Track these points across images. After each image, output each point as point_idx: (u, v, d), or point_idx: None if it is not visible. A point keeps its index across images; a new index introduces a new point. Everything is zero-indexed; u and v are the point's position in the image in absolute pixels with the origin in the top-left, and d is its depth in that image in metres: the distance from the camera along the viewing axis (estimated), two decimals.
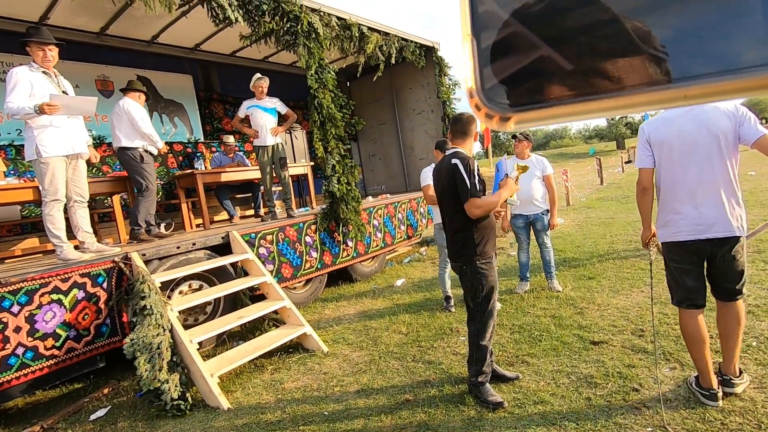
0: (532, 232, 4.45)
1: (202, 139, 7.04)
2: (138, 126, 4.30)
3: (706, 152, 2.12)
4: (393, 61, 6.32)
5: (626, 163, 21.77)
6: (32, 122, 3.31)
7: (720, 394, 2.18)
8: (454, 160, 2.52)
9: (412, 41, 6.71)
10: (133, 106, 4.35)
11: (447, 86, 7.41)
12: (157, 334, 2.99)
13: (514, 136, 4.53)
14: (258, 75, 5.11)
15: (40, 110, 3.21)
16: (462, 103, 8.65)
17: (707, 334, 2.23)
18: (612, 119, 55.03)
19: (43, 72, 3.43)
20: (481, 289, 2.54)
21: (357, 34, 5.59)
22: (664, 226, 2.28)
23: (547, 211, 4.34)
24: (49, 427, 2.93)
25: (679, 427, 2.05)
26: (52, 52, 3.48)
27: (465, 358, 3.10)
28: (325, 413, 2.62)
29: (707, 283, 2.25)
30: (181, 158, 6.71)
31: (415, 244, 7.93)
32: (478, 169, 2.53)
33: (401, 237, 6.37)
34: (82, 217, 3.67)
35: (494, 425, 2.27)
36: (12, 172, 5.01)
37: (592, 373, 2.64)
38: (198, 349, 3.17)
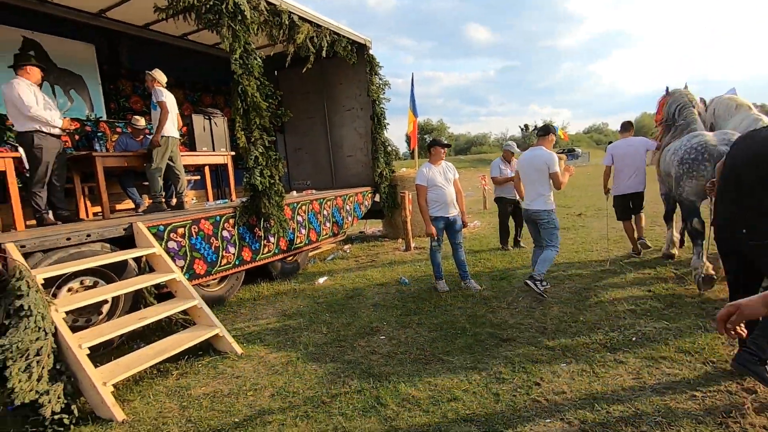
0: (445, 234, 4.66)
1: (104, 118, 6.28)
2: (23, 111, 4.03)
3: (633, 159, 5.19)
4: (324, 54, 6.18)
5: None
6: None
7: (640, 249, 5.44)
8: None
9: (344, 36, 6.63)
10: (14, 88, 4.00)
11: (377, 85, 7.45)
12: (37, 339, 2.58)
13: (433, 144, 4.68)
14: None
15: None
16: (391, 104, 8.77)
17: (633, 228, 5.40)
18: (525, 131, 59.77)
19: None
20: None
21: (287, 22, 5.38)
22: (615, 188, 5.33)
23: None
24: None
25: (572, 417, 2.25)
26: None
27: (384, 356, 3.13)
28: (236, 420, 2.47)
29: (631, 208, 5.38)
30: (77, 137, 5.92)
31: (339, 242, 7.87)
32: None
33: (326, 234, 6.27)
34: None
35: (410, 424, 2.30)
36: None
37: (501, 369, 2.81)
38: (89, 355, 2.80)
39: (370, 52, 7.37)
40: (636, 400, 2.34)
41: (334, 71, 7.77)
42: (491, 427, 2.22)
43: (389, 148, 7.74)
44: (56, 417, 2.50)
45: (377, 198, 7.66)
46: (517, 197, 6.33)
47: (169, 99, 4.86)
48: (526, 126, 60.48)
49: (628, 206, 5.31)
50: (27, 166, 4.24)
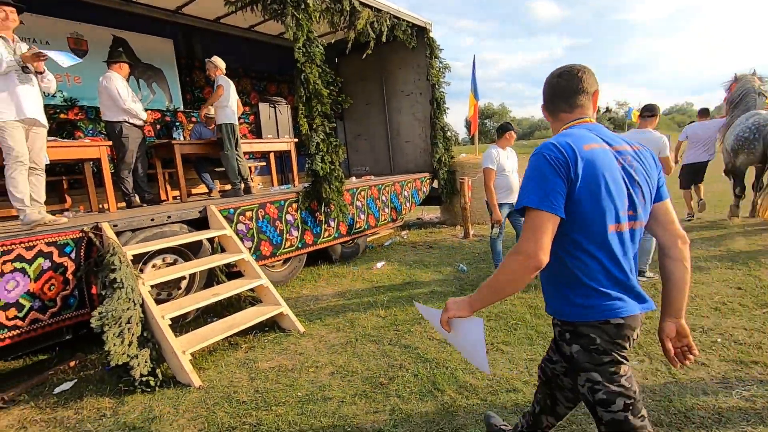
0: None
1: (181, 108, 6.77)
2: (117, 102, 4.50)
3: (705, 137, 6.22)
4: (384, 39, 6.15)
5: None
6: None
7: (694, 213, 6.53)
8: None
9: (404, 19, 6.54)
10: (113, 82, 4.49)
11: (437, 69, 7.29)
12: (128, 309, 2.89)
13: (506, 128, 4.49)
14: None
15: (24, 60, 3.20)
16: (453, 89, 8.58)
17: (692, 197, 6.58)
18: (596, 112, 55.73)
19: (1, 37, 3.21)
20: None
21: (348, 8, 5.40)
22: (686, 159, 6.15)
23: None
24: (10, 399, 2.83)
25: None
26: (13, 14, 3.27)
27: (441, 343, 3.12)
28: (299, 394, 2.60)
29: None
30: (158, 127, 6.44)
31: (396, 228, 7.92)
32: None
33: (385, 219, 6.33)
34: (34, 185, 3.49)
35: (467, 412, 2.29)
36: None
37: None
38: (170, 325, 3.09)
39: (431, 35, 7.22)
40: (720, 406, 2.14)
41: (393, 56, 7.71)
42: None
43: (449, 134, 7.59)
44: (144, 379, 2.79)
45: (435, 184, 7.58)
46: None
47: (231, 86, 5.08)
48: (597, 108, 56.35)
49: (693, 175, 6.31)
50: (116, 154, 4.72)
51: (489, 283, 1.30)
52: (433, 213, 9.57)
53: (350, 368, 2.88)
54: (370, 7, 5.81)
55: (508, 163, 4.39)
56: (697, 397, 2.23)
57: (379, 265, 5.55)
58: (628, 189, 1.28)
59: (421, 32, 7.08)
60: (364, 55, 6.29)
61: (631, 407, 1.30)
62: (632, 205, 1.29)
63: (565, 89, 1.40)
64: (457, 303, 1.37)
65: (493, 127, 68.15)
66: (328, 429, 2.23)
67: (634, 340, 1.34)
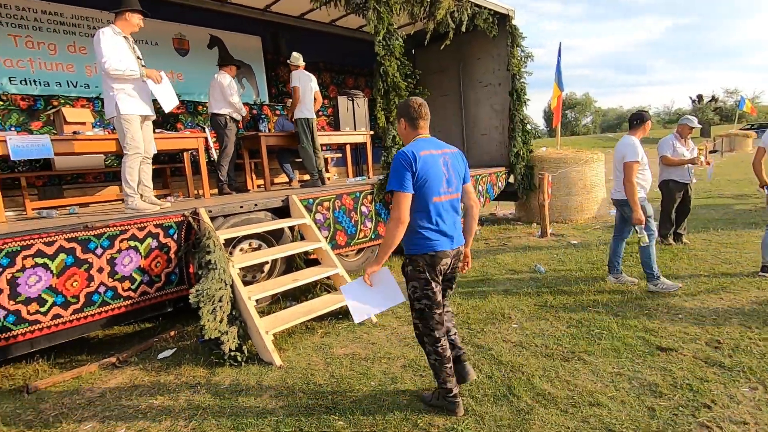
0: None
1: (267, 102, 7.17)
2: (226, 95, 5.08)
3: None
4: (464, 28, 5.98)
5: (711, 152, 19.54)
6: (113, 84, 3.54)
7: None
8: None
9: (485, 7, 6.29)
10: (226, 79, 5.12)
11: (519, 58, 6.95)
12: (220, 288, 3.15)
13: (647, 117, 4.14)
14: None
15: (147, 75, 3.69)
16: (532, 78, 8.12)
17: None
18: (698, 103, 49.64)
19: (124, 37, 3.61)
20: None
21: None
22: None
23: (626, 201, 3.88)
24: (123, 360, 3.24)
25: None
26: (141, 21, 3.70)
27: (516, 346, 3.01)
28: (372, 384, 2.66)
29: None
30: (246, 119, 6.89)
31: None
32: None
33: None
34: (144, 172, 3.91)
35: (544, 421, 2.19)
36: (98, 123, 5.39)
37: (657, 381, 2.46)
38: (254, 306, 3.32)
39: (513, 22, 6.88)
40: None
41: (472, 46, 7.47)
42: None
43: (528, 126, 7.22)
44: (232, 353, 3.03)
45: (511, 179, 7.28)
46: (691, 182, 5.28)
47: (303, 83, 5.33)
48: (699, 97, 49.92)
49: None
50: (216, 144, 5.19)
51: (382, 245, 2.16)
52: (507, 209, 9.21)
53: (422, 363, 2.88)
54: None
55: (644, 156, 3.89)
56: None
57: None
58: (447, 175, 2.18)
59: (503, 20, 6.78)
60: (442, 46, 6.17)
61: (430, 304, 2.19)
62: (449, 184, 2.19)
63: (414, 116, 2.24)
64: (369, 265, 2.28)
65: (573, 118, 63.66)
66: (401, 422, 2.26)
67: (444, 267, 2.20)
